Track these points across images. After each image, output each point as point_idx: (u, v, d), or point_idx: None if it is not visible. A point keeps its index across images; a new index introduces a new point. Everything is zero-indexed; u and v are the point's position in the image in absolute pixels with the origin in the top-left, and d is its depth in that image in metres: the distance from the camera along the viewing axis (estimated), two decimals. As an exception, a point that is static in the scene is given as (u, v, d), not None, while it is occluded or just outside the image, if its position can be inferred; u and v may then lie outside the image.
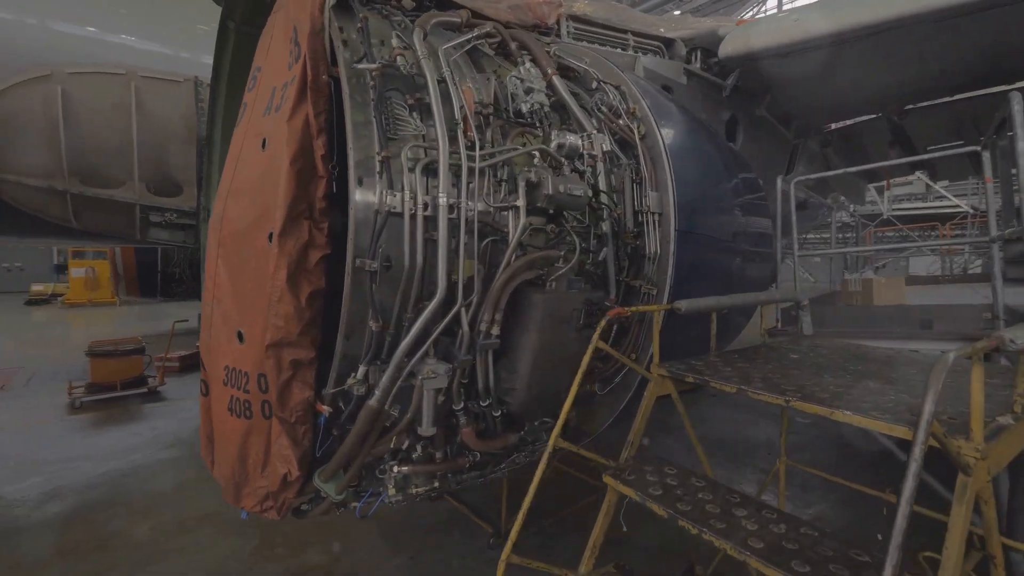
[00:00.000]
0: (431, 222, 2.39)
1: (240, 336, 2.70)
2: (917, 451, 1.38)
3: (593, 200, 2.97)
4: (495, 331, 2.59)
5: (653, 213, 3.20)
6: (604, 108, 3.31)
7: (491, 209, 2.60)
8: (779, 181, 5.23)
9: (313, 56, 2.35)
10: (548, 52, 3.60)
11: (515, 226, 2.58)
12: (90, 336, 10.58)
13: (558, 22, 4.30)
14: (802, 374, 2.63)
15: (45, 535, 4.69)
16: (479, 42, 3.00)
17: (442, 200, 2.34)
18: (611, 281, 3.15)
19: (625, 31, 4.90)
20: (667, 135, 3.37)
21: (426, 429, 2.52)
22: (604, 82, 3.40)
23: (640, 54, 4.96)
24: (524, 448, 3.18)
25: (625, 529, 2.54)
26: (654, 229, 3.22)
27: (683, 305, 2.89)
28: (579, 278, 2.88)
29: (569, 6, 4.41)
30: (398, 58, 2.43)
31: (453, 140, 2.47)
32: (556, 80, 3.14)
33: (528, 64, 3.00)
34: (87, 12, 6.70)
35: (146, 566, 4.30)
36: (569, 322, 2.78)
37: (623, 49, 4.93)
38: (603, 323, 2.59)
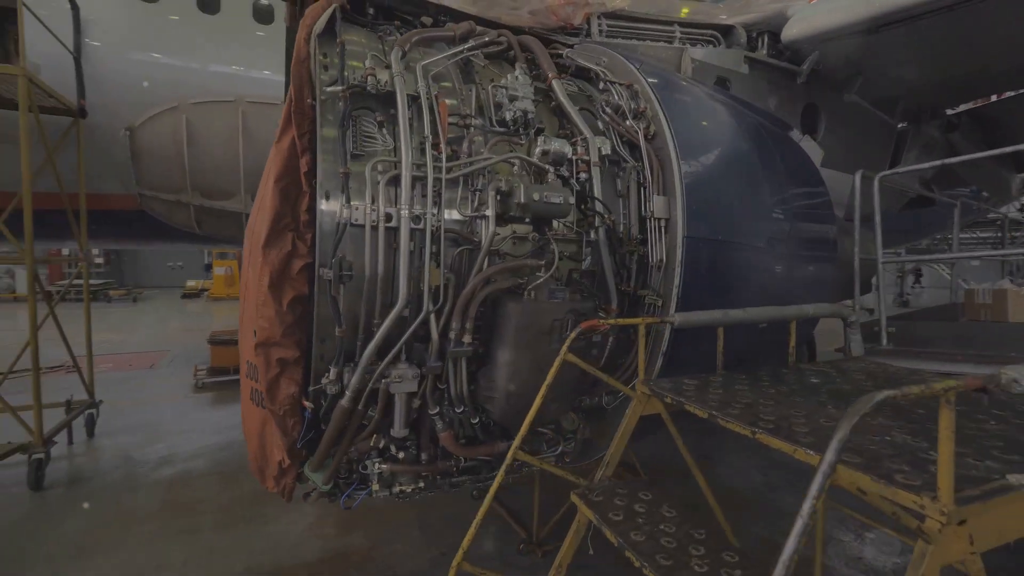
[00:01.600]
0: (399, 233, 2.48)
1: (255, 334, 3.03)
2: (806, 507, 1.16)
3: (584, 206, 2.86)
4: (467, 339, 2.61)
5: (657, 219, 2.99)
6: (608, 110, 3.16)
7: (466, 219, 2.62)
8: (856, 177, 4.56)
9: (297, 82, 2.57)
10: (562, 54, 3.53)
11: (486, 235, 2.59)
12: (225, 325, 12.37)
13: (588, 21, 4.18)
14: (805, 402, 2.30)
15: (155, 493, 5.60)
16: (473, 53, 3.03)
17: (404, 212, 2.43)
18: (611, 291, 3.01)
19: (670, 23, 4.61)
20: (681, 134, 3.13)
21: (398, 430, 2.62)
22: (612, 82, 3.25)
23: (688, 46, 4.64)
24: (519, 457, 3.15)
25: (591, 552, 2.43)
26: (659, 236, 3.01)
27: (677, 318, 2.67)
28: (563, 288, 2.79)
29: (603, 4, 4.26)
30: (368, 78, 2.55)
31: (424, 153, 2.54)
32: (555, 84, 3.07)
33: (518, 71, 2.97)
34: (237, 56, 7.75)
35: (221, 529, 4.95)
36: (551, 333, 2.71)
37: (668, 42, 4.64)
38: (573, 335, 2.49)
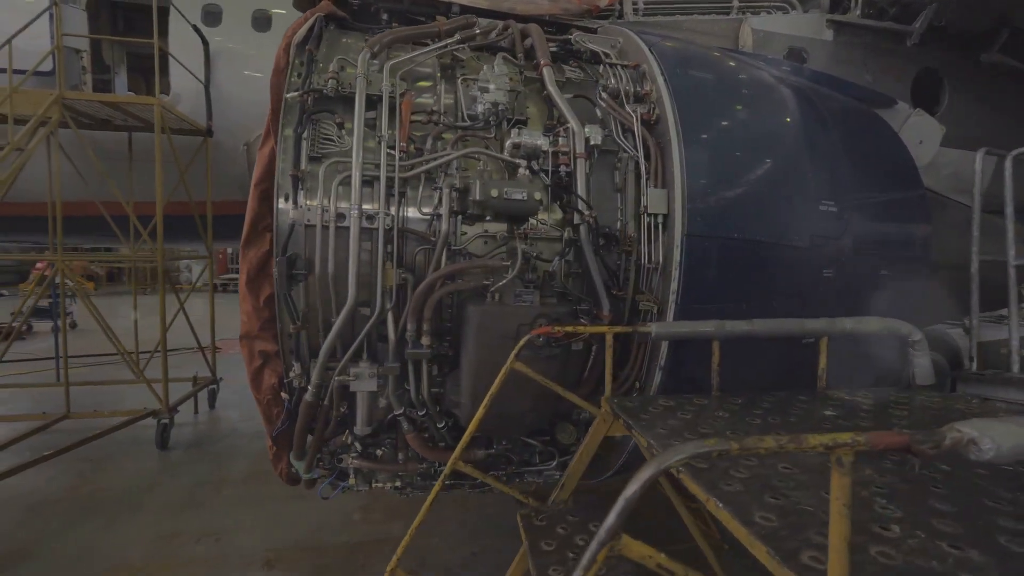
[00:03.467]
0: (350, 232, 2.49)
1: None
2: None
3: (561, 202, 2.61)
4: (425, 341, 2.53)
5: (652, 214, 2.63)
6: (605, 95, 2.85)
7: (428, 218, 2.55)
8: (978, 156, 3.59)
9: (276, 92, 2.70)
10: (571, 39, 3.29)
11: (441, 234, 2.48)
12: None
13: (620, 2, 3.85)
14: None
15: (245, 462, 6.40)
16: (458, 47, 2.93)
17: (353, 211, 2.42)
18: (600, 295, 2.71)
19: (725, -8, 4.06)
20: (691, 118, 2.71)
21: (361, 428, 2.64)
22: (613, 64, 2.93)
23: (748, 15, 4.05)
24: (502, 466, 2.99)
25: (534, 579, 2.21)
26: (656, 234, 2.65)
27: (654, 328, 2.32)
28: (533, 291, 2.56)
29: (642, -19, 3.89)
30: (329, 82, 2.59)
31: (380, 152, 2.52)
32: (545, 72, 2.86)
33: (497, 61, 2.80)
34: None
35: (289, 501, 5.48)
36: (517, 338, 2.51)
37: (724, 14, 4.09)
38: (522, 342, 2.27)
